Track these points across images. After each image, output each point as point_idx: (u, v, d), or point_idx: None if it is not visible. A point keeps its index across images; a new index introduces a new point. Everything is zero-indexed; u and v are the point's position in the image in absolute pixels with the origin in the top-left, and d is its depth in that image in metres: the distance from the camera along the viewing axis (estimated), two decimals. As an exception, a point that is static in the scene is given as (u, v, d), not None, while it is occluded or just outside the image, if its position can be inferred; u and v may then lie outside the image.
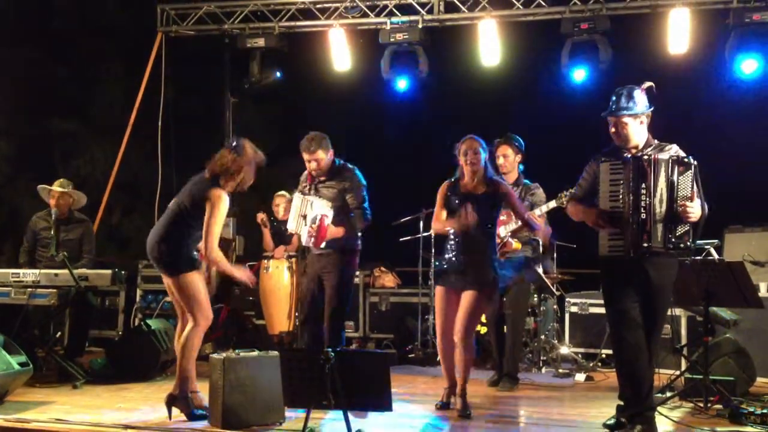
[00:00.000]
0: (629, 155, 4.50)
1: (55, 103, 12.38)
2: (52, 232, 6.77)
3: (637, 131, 4.53)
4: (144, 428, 4.31)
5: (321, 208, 5.48)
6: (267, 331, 7.81)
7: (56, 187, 6.97)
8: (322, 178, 5.69)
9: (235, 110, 9.88)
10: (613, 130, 4.57)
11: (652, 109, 4.58)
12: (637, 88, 4.55)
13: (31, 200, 8.41)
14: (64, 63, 12.52)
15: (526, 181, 6.39)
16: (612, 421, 4.59)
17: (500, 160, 6.26)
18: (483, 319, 6.72)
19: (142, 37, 9.99)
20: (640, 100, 4.53)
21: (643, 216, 4.37)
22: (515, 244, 6.05)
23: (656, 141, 4.60)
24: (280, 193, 7.96)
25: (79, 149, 12.66)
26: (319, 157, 5.60)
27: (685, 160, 4.39)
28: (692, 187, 4.33)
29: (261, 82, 9.37)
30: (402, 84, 8.90)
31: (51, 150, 12.50)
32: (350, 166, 5.76)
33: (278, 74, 9.44)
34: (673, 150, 4.50)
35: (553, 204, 6.12)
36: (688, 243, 4.33)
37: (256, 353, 4.68)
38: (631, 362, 4.49)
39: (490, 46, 8.49)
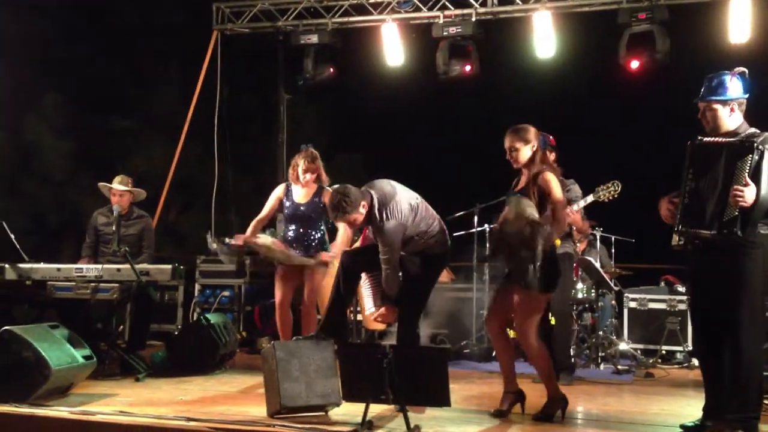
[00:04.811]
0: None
1: (113, 101, 12.63)
2: (114, 228, 6.86)
3: (727, 118, 4.35)
4: (206, 420, 4.36)
5: None
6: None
7: (116, 185, 7.07)
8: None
9: (289, 107, 9.95)
10: (702, 116, 4.42)
11: (746, 96, 4.37)
12: (728, 73, 4.37)
13: (92, 197, 8.59)
14: (121, 62, 12.77)
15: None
16: (692, 423, 4.46)
17: None
18: None
19: (197, 35, 10.13)
20: (732, 86, 4.34)
21: (686, 201, 4.28)
22: (556, 242, 5.96)
23: (753, 129, 4.35)
24: (334, 187, 7.97)
25: (137, 147, 12.89)
26: (351, 219, 5.05)
27: (746, 144, 4.19)
28: (747, 173, 4.13)
29: (315, 78, 9.38)
30: (458, 77, 8.82)
31: (110, 148, 12.76)
32: (376, 214, 5.01)
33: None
34: (762, 138, 4.25)
35: (590, 198, 6.01)
36: (735, 230, 4.13)
37: (310, 341, 4.73)
38: (701, 360, 4.49)
39: (545, 38, 8.40)
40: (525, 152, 4.79)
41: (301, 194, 6.18)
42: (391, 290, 5.08)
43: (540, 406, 4.80)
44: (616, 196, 6.11)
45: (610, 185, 6.03)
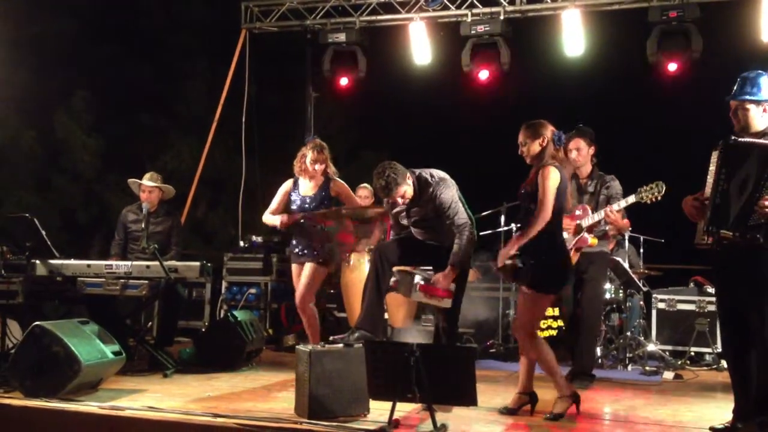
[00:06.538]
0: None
1: (141, 99, 12.74)
2: (143, 225, 6.88)
3: (759, 118, 4.30)
4: (233, 417, 4.38)
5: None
6: (348, 323, 7.86)
7: (147, 181, 7.09)
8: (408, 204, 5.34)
9: (316, 105, 9.97)
10: (733, 114, 4.36)
11: None
12: (765, 73, 4.31)
13: (121, 194, 8.69)
14: (150, 60, 12.89)
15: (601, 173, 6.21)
16: (721, 426, 4.41)
17: (573, 154, 6.00)
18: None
19: (226, 34, 10.20)
20: (766, 86, 4.29)
21: (718, 201, 4.21)
22: (591, 240, 5.90)
23: None
24: (363, 185, 7.99)
25: (165, 145, 13.00)
26: (401, 192, 5.20)
27: None
28: None
29: (333, 79, 9.33)
30: (483, 76, 8.79)
31: (138, 145, 12.89)
32: (428, 178, 5.27)
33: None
34: None
35: (632, 199, 5.85)
36: (759, 237, 4.08)
37: (341, 346, 4.71)
38: (729, 361, 4.42)
39: (573, 35, 8.34)
40: (534, 147, 4.78)
41: (308, 187, 6.13)
42: (467, 257, 5.25)
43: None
44: (659, 197, 5.72)
45: (653, 186, 5.71)
